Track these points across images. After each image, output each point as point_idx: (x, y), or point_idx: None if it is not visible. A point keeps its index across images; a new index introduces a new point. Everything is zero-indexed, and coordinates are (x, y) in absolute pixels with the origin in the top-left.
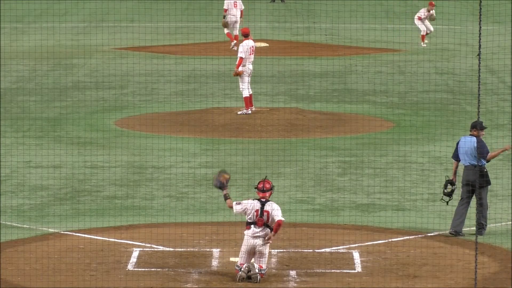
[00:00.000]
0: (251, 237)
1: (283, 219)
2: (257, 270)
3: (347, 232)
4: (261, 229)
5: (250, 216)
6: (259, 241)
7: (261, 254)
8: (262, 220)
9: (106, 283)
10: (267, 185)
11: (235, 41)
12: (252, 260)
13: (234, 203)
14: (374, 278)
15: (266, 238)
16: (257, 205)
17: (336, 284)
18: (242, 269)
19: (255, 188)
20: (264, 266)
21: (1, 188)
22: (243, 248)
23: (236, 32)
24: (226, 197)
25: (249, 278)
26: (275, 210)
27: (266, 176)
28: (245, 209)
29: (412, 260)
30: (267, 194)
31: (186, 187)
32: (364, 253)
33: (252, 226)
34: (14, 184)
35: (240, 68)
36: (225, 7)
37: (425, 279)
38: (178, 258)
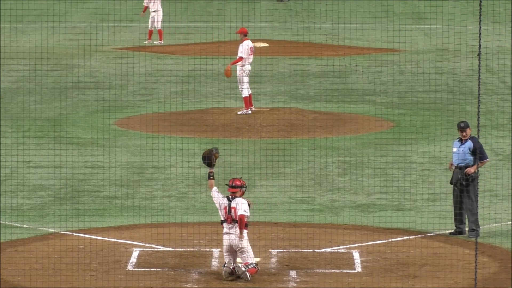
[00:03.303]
0: (225, 234)
1: (245, 213)
2: (243, 269)
3: (347, 232)
4: (231, 225)
5: (221, 214)
6: (233, 237)
7: (242, 250)
8: (230, 217)
9: (106, 283)
10: (237, 182)
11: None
12: (238, 259)
13: (215, 188)
14: (374, 278)
15: (237, 237)
16: (225, 202)
17: (336, 284)
18: (226, 265)
19: (226, 185)
20: (250, 261)
21: (1, 188)
22: (223, 248)
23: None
24: (210, 176)
25: (238, 277)
26: (238, 205)
27: (241, 177)
28: (216, 202)
29: (412, 260)
30: (236, 191)
31: (186, 187)
32: (364, 253)
33: (224, 224)
34: (14, 184)
35: (239, 68)
36: (145, 4)
37: (425, 279)
38: (178, 258)
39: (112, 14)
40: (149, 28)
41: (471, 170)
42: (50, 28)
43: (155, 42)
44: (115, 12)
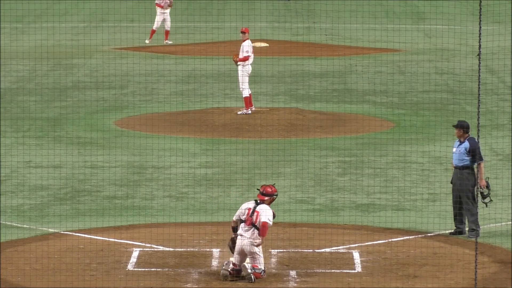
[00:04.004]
0: (239, 235)
1: (268, 221)
2: (249, 270)
3: (347, 232)
4: (247, 228)
5: (242, 213)
6: (245, 242)
7: (253, 256)
8: (250, 219)
9: (106, 283)
10: (268, 189)
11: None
12: (247, 260)
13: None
14: (374, 278)
15: (256, 244)
16: (251, 204)
17: (336, 284)
18: (224, 267)
19: (257, 189)
20: (259, 266)
21: (1, 188)
22: (235, 246)
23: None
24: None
25: (242, 278)
26: (263, 211)
27: (274, 183)
28: (241, 208)
29: (412, 260)
30: (265, 198)
31: (186, 187)
32: (364, 253)
33: (242, 224)
34: (14, 184)
35: (240, 68)
36: (157, 2)
37: (425, 279)
38: (178, 258)
39: (112, 14)
40: (153, 28)
41: (483, 182)
42: (50, 28)
43: (169, 42)
44: (115, 12)
